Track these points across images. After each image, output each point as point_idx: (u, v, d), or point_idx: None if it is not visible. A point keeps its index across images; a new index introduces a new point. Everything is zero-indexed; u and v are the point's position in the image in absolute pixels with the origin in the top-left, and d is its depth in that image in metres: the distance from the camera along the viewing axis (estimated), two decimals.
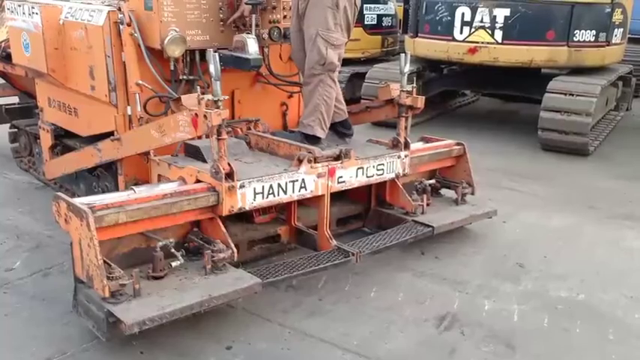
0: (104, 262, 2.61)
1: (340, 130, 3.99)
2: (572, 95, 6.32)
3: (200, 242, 3.06)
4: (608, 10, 6.62)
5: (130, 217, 2.78)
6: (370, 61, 8.71)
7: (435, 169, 4.37)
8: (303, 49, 3.73)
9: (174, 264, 2.89)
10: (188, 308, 2.66)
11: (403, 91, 3.75)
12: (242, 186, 3.06)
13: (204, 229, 3.14)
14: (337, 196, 3.68)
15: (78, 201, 2.76)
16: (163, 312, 2.58)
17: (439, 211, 4.05)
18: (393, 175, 3.80)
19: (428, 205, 4.00)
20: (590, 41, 6.62)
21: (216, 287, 2.80)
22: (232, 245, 3.00)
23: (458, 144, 4.29)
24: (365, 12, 8.69)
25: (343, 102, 4.01)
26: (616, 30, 6.86)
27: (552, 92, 6.41)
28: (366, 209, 4.13)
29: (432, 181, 4.21)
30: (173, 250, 2.90)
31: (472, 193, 4.26)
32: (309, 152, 3.39)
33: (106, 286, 2.56)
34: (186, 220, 3.06)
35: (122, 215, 2.75)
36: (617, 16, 6.79)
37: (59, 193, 2.82)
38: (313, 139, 3.70)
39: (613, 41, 6.86)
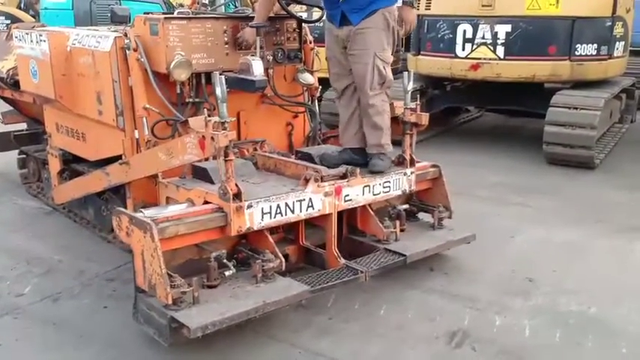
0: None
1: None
2: (576, 109, 6.32)
3: (249, 253, 3.18)
4: (609, 23, 6.65)
5: (189, 229, 2.92)
6: None
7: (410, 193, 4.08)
8: (346, 73, 3.75)
9: (227, 273, 3.00)
10: (245, 314, 2.79)
11: (407, 108, 3.78)
12: (250, 206, 3.07)
13: (252, 240, 3.24)
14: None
15: (139, 215, 2.87)
16: (223, 317, 2.70)
17: (414, 237, 3.80)
18: (399, 193, 3.81)
19: (402, 231, 3.78)
20: (592, 55, 6.63)
21: (269, 294, 2.93)
22: (280, 255, 3.12)
23: (433, 166, 4.05)
24: None
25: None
26: (617, 43, 6.89)
27: (556, 106, 6.42)
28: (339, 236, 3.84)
29: (406, 206, 3.92)
30: (225, 260, 3.00)
31: (449, 217, 4.02)
32: (316, 172, 3.41)
33: (169, 293, 2.69)
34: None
35: (181, 227, 2.89)
36: (618, 30, 6.82)
37: (120, 208, 2.95)
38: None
39: (615, 54, 6.88)
